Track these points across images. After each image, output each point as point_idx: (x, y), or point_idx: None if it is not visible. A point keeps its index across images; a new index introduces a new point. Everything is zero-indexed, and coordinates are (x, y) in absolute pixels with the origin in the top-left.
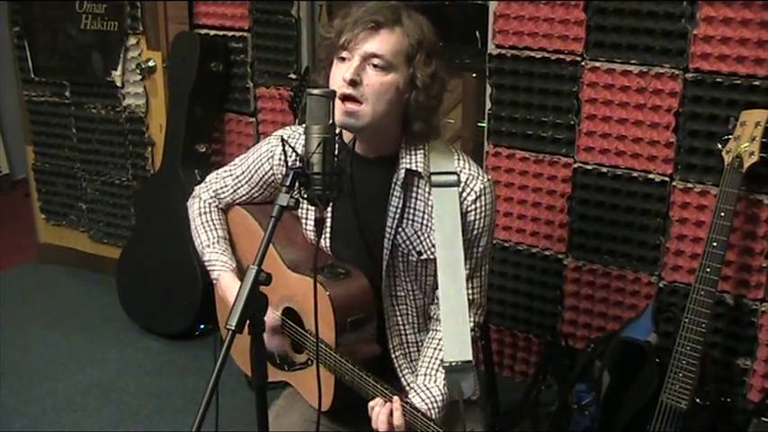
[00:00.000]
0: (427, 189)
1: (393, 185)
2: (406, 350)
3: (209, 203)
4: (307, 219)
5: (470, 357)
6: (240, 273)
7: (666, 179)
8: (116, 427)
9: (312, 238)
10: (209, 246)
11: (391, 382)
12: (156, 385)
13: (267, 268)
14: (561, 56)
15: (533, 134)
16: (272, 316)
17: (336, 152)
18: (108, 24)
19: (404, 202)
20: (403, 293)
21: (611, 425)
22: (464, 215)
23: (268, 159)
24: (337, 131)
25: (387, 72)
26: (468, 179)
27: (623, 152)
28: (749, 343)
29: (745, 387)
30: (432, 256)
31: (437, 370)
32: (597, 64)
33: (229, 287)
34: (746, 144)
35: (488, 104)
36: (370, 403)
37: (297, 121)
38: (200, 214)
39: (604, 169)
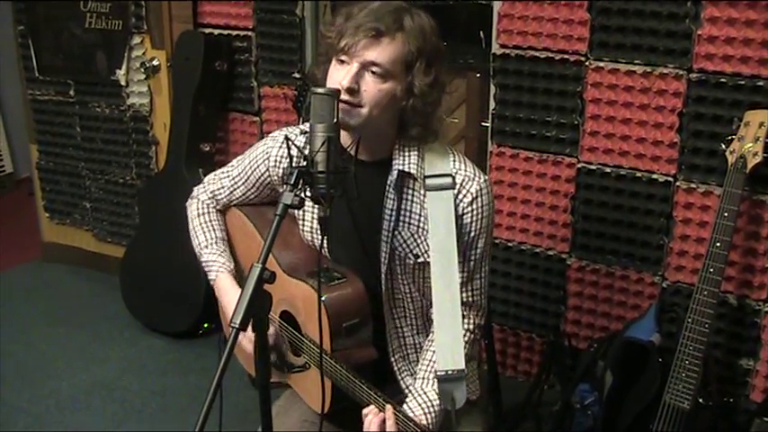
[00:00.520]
0: (422, 191)
1: (387, 188)
2: (405, 353)
3: (207, 204)
4: (304, 220)
5: (463, 366)
6: (237, 274)
7: (670, 179)
8: (119, 425)
9: (310, 239)
10: (206, 246)
11: (390, 385)
12: (159, 384)
13: None
14: (565, 56)
15: (537, 134)
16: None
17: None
18: (112, 23)
19: (398, 204)
20: (401, 296)
21: (614, 425)
22: (460, 218)
23: (264, 161)
24: None
25: (385, 80)
26: (463, 181)
27: (627, 152)
28: (752, 343)
29: (748, 387)
30: (428, 260)
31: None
32: (601, 64)
33: (225, 288)
34: (750, 145)
35: (492, 104)
36: (364, 411)
37: (301, 120)
38: (198, 215)
39: (608, 169)
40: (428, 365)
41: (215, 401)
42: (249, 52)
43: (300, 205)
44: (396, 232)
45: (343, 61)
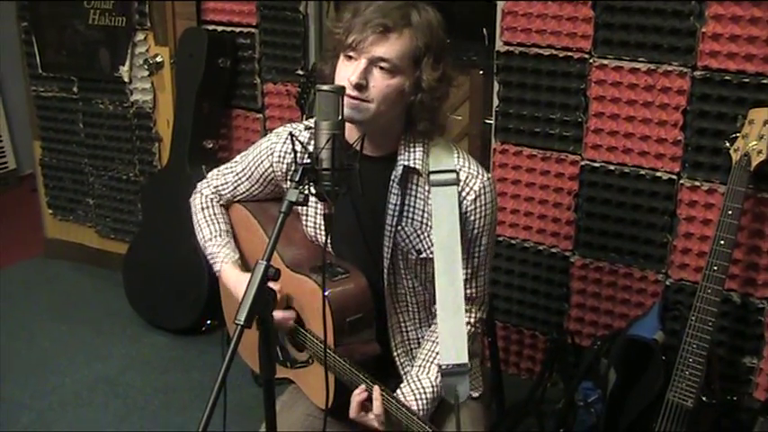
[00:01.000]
0: (426, 187)
1: (391, 183)
2: (408, 347)
3: (211, 199)
4: (308, 216)
5: (466, 360)
6: (243, 266)
7: (674, 177)
8: (122, 421)
9: (313, 235)
10: (211, 239)
11: (393, 379)
12: (162, 380)
13: None
14: (569, 53)
15: (541, 131)
16: (281, 315)
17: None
18: (116, 20)
19: (402, 199)
20: (404, 291)
21: (617, 423)
22: (464, 215)
23: (268, 156)
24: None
25: (393, 75)
26: (467, 178)
27: (631, 150)
28: (756, 341)
29: (752, 385)
30: (431, 255)
31: (432, 363)
32: (605, 61)
33: (232, 278)
34: (754, 142)
35: (496, 102)
36: (354, 392)
37: (304, 117)
38: (202, 209)
39: (612, 167)
40: (427, 354)
41: (218, 399)
42: (252, 49)
43: (305, 202)
44: (399, 227)
45: (351, 57)
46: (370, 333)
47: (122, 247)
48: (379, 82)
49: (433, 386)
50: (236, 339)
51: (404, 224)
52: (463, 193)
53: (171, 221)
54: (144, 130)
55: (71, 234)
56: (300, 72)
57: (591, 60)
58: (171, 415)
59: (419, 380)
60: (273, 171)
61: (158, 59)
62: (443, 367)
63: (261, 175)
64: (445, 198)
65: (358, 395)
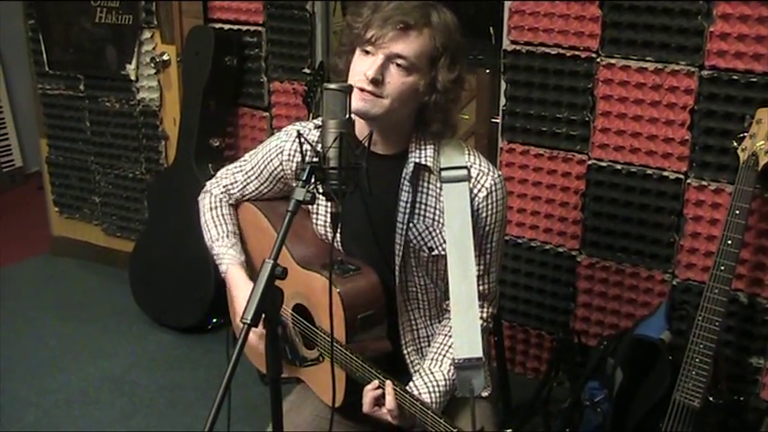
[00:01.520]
0: (438, 184)
1: (402, 180)
2: (419, 345)
3: (220, 198)
4: (317, 214)
5: (481, 354)
6: (249, 267)
7: (681, 177)
8: (128, 419)
9: (323, 233)
10: (218, 240)
11: (402, 376)
12: (168, 378)
13: None
14: (576, 52)
15: (548, 131)
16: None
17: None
18: (122, 18)
19: (414, 197)
20: (415, 289)
21: (624, 422)
22: (475, 212)
23: (277, 155)
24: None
25: (409, 73)
26: (478, 175)
27: (638, 149)
28: (763, 342)
29: (759, 386)
30: (443, 252)
31: (444, 356)
32: (612, 61)
33: (236, 280)
34: (762, 142)
35: (503, 101)
36: (366, 387)
37: (311, 115)
38: (210, 209)
39: (619, 166)
40: (439, 348)
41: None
42: (259, 47)
43: (312, 201)
44: (410, 225)
45: (368, 52)
46: (381, 330)
47: (128, 245)
48: (395, 79)
49: (445, 379)
50: (243, 338)
51: (415, 221)
52: (474, 191)
53: (177, 219)
54: (150, 129)
55: (77, 232)
56: (307, 70)
57: (598, 59)
58: (177, 413)
59: (432, 373)
60: (283, 169)
61: (165, 57)
62: (458, 361)
63: (270, 174)
64: (457, 194)
65: (372, 390)
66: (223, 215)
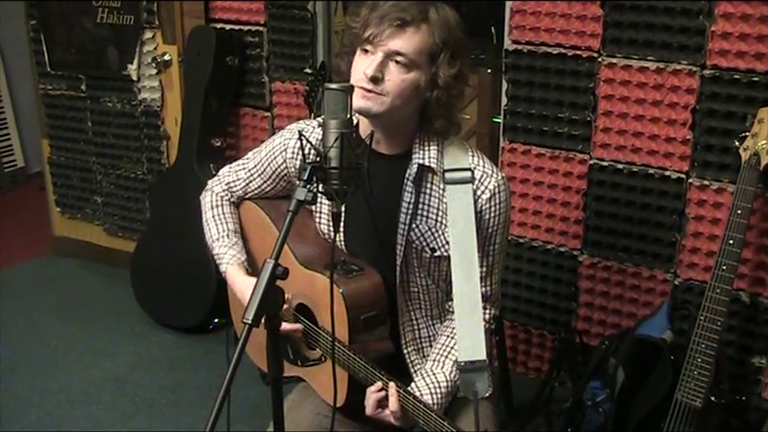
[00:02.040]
0: (441, 185)
1: (405, 181)
2: (419, 346)
3: (222, 197)
4: (320, 213)
5: (484, 356)
6: (250, 267)
7: (683, 176)
8: (130, 420)
9: (326, 233)
10: (218, 239)
11: (402, 377)
12: (169, 379)
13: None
14: (578, 52)
15: (549, 130)
16: (289, 327)
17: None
18: (124, 18)
19: (416, 197)
20: (416, 289)
21: (625, 422)
22: (479, 213)
23: (281, 153)
24: (354, 123)
25: (409, 70)
26: (482, 176)
27: (639, 149)
28: (765, 341)
29: (761, 385)
30: (445, 253)
31: (447, 357)
32: (614, 60)
33: (235, 279)
34: (764, 141)
35: (504, 100)
36: (369, 389)
37: (312, 115)
38: (211, 207)
39: (620, 166)
40: (441, 349)
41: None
42: (261, 47)
43: (313, 201)
44: (413, 225)
45: (367, 51)
46: (384, 330)
47: (130, 245)
48: (395, 76)
49: (447, 380)
50: (244, 338)
51: (418, 222)
52: (478, 192)
53: (179, 219)
54: (152, 129)
55: (79, 232)
56: (308, 70)
57: (600, 59)
58: (179, 413)
59: (434, 374)
60: (287, 167)
61: (166, 58)
62: (462, 364)
63: (273, 172)
64: (460, 196)
65: (375, 392)
66: (224, 214)
